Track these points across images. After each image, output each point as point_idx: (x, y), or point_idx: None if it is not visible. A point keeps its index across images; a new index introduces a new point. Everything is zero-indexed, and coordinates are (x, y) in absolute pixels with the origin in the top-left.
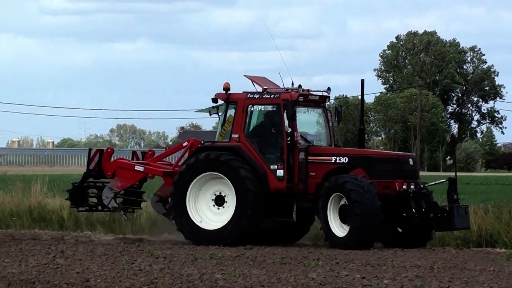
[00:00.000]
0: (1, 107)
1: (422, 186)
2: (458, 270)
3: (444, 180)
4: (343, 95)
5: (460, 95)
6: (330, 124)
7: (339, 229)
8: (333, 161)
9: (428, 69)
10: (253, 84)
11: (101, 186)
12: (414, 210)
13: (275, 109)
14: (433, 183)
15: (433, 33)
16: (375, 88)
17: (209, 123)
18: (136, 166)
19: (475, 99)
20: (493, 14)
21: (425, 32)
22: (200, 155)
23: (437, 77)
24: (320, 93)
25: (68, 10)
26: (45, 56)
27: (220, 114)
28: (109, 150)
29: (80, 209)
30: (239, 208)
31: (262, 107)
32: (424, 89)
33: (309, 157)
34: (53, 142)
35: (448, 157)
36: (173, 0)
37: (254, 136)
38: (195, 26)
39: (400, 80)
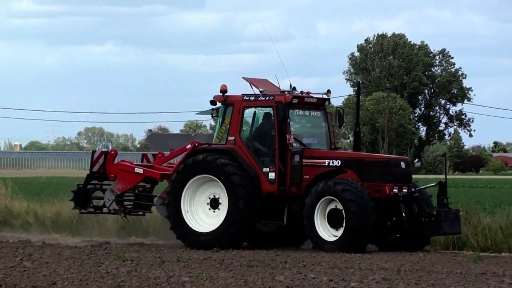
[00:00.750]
0: None
1: (413, 190)
2: (425, 273)
3: (434, 184)
4: None
5: (428, 97)
6: (331, 126)
7: (327, 234)
8: (326, 164)
9: (396, 71)
10: (251, 87)
11: (105, 189)
12: (404, 214)
13: (268, 111)
14: (423, 186)
15: (401, 36)
16: (343, 91)
17: (177, 126)
18: (136, 168)
19: (443, 101)
20: (460, 17)
21: (394, 35)
22: (194, 158)
23: (405, 80)
24: (319, 96)
25: (37, 13)
26: (13, 58)
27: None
28: (112, 152)
29: (83, 211)
30: (229, 215)
31: (257, 110)
32: (392, 91)
33: (304, 160)
34: (20, 145)
35: (416, 159)
36: (141, 3)
37: (249, 138)
38: (162, 29)
39: (368, 83)
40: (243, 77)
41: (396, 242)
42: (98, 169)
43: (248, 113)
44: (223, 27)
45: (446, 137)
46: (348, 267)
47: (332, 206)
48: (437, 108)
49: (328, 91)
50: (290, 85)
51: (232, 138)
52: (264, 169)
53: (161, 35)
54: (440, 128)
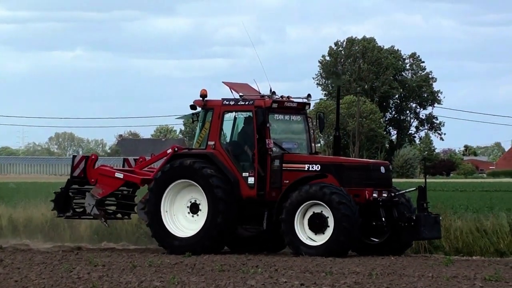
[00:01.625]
0: None
1: (393, 194)
2: (397, 276)
3: (414, 188)
4: None
5: (398, 101)
6: (311, 131)
7: (308, 239)
8: (306, 168)
9: (366, 75)
10: (231, 91)
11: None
12: (383, 219)
13: (248, 116)
14: (403, 191)
15: (371, 40)
16: (314, 95)
17: (147, 131)
18: (116, 173)
19: (413, 105)
20: (430, 21)
21: (364, 39)
22: (173, 163)
23: (375, 84)
24: (299, 100)
25: (6, 19)
26: None
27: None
28: (93, 157)
29: (64, 215)
30: (209, 218)
31: (236, 114)
32: (362, 95)
33: (284, 165)
34: None
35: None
36: (111, 9)
37: (229, 143)
38: (133, 34)
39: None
40: (223, 82)
41: (377, 246)
42: (79, 174)
43: (228, 117)
44: (194, 32)
45: (417, 140)
46: (320, 271)
47: (314, 210)
48: (407, 111)
49: (309, 96)
50: (270, 90)
51: (212, 142)
52: (244, 174)
53: (132, 40)
54: (411, 132)
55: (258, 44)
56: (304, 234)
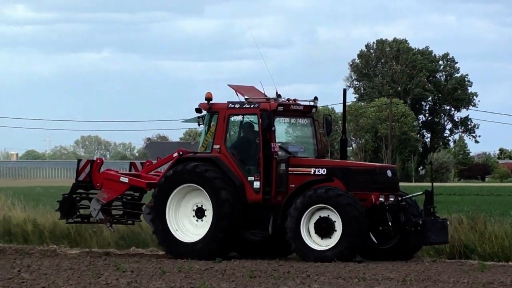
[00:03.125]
0: None
1: (400, 198)
2: (431, 283)
3: (421, 192)
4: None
5: (432, 104)
6: (318, 134)
7: (316, 244)
8: (312, 172)
9: (399, 77)
10: (237, 94)
11: (91, 198)
12: (390, 224)
13: (253, 119)
14: (410, 195)
15: (403, 41)
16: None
17: (176, 134)
18: (121, 177)
19: (448, 107)
20: (463, 22)
21: (395, 40)
22: (179, 167)
23: (408, 86)
24: (306, 103)
25: (32, 20)
26: (8, 66)
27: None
28: (98, 161)
29: (69, 221)
30: (215, 220)
31: (242, 117)
32: (394, 98)
33: (290, 169)
34: (17, 154)
35: (421, 167)
36: (137, 10)
37: (235, 146)
38: (160, 36)
39: (370, 90)
40: (228, 85)
41: (384, 251)
42: (84, 178)
43: (234, 121)
44: (222, 33)
45: (451, 144)
46: (353, 277)
47: (320, 214)
48: (441, 114)
49: (315, 98)
50: (276, 93)
51: (217, 146)
52: (249, 178)
53: (160, 42)
54: (445, 135)
55: (288, 45)
56: (311, 239)
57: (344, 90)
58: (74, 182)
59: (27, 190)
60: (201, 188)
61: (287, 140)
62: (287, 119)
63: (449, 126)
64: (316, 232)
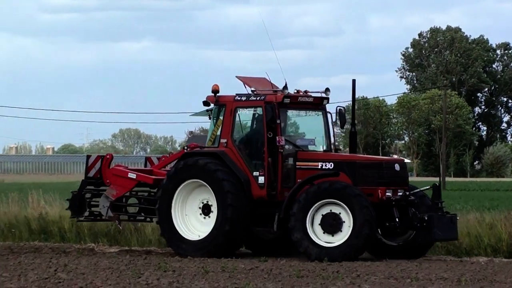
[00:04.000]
0: None
1: (408, 193)
2: (487, 283)
3: (428, 187)
4: (363, 96)
5: (488, 95)
6: (331, 127)
7: (321, 238)
8: (319, 167)
9: (453, 68)
10: (245, 86)
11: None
12: (397, 220)
13: (259, 112)
14: (417, 190)
15: (457, 29)
16: (397, 89)
17: None
18: (129, 173)
19: (505, 99)
20: None
21: (449, 28)
22: (184, 162)
23: (462, 77)
24: (318, 95)
25: (69, 8)
26: (43, 56)
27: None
28: (107, 156)
29: (80, 219)
30: (220, 214)
31: (247, 110)
32: (448, 89)
33: (298, 163)
34: (53, 148)
35: (476, 161)
36: None
37: (241, 140)
38: (204, 24)
39: (423, 80)
40: (236, 76)
41: (396, 248)
42: (95, 174)
43: (240, 114)
44: (269, 21)
45: (508, 137)
46: (405, 277)
47: (327, 210)
48: (498, 106)
49: (327, 90)
50: (285, 85)
51: (224, 140)
52: (254, 173)
53: (203, 30)
54: (502, 128)
55: (338, 34)
56: (318, 233)
57: (353, 81)
58: (83, 179)
59: (64, 186)
60: (205, 183)
61: (297, 134)
62: (295, 112)
63: (506, 118)
64: (323, 229)
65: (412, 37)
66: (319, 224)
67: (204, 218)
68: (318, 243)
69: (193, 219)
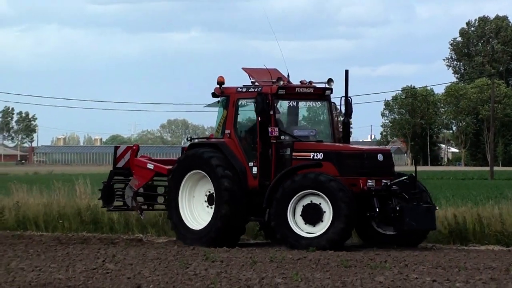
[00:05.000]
0: (45, 102)
1: (389, 183)
2: None
3: (406, 177)
4: (411, 85)
5: None
6: (334, 118)
7: (302, 229)
8: (311, 157)
9: (500, 57)
10: (249, 77)
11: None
12: (377, 209)
13: (254, 103)
14: (397, 180)
15: (504, 18)
16: (445, 78)
17: None
18: (148, 164)
19: None
20: None
21: (497, 17)
22: (187, 153)
23: (510, 66)
24: (316, 85)
25: None
26: (91, 47)
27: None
28: (134, 147)
29: (109, 208)
30: (217, 208)
31: (247, 101)
32: (496, 78)
33: (294, 154)
34: (101, 139)
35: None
36: None
37: (241, 131)
38: (251, 14)
39: (470, 69)
40: (242, 68)
41: (389, 237)
42: (124, 165)
43: (242, 105)
44: (316, 11)
45: None
46: (453, 266)
47: (308, 201)
48: None
49: (330, 80)
50: (288, 76)
51: (228, 131)
52: (250, 163)
53: (250, 20)
54: None
55: (385, 24)
56: (299, 224)
57: (346, 72)
58: (111, 169)
59: None
60: (204, 173)
61: (301, 125)
62: (293, 103)
63: None
64: (304, 219)
65: (460, 26)
66: (300, 215)
67: (208, 207)
68: (298, 233)
69: (200, 209)
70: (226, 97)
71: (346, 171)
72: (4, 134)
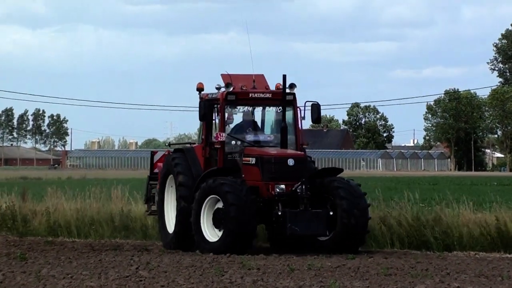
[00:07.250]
0: (80, 105)
1: (294, 189)
2: None
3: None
4: (455, 88)
5: None
6: (298, 123)
7: (211, 234)
8: (252, 162)
9: None
10: (224, 83)
11: None
12: (279, 214)
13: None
14: (298, 184)
15: None
16: (489, 82)
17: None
18: None
19: None
20: None
21: None
22: (168, 157)
23: None
24: (271, 90)
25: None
26: (127, 49)
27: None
28: (166, 153)
29: (147, 213)
30: (176, 215)
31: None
32: None
33: (244, 159)
34: (136, 143)
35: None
36: None
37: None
38: (292, 15)
39: None
40: (221, 74)
41: (325, 243)
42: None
43: (213, 111)
44: (358, 12)
45: None
46: (496, 275)
47: (219, 205)
48: None
49: (292, 85)
50: (284, 79)
51: (203, 136)
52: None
53: (291, 21)
54: None
55: (430, 25)
56: (209, 228)
57: (284, 76)
58: (148, 175)
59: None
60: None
61: (259, 130)
62: (248, 108)
63: None
64: (213, 224)
65: (505, 27)
66: (212, 219)
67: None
68: (206, 237)
69: (173, 213)
70: (202, 103)
71: (264, 176)
72: (37, 137)
